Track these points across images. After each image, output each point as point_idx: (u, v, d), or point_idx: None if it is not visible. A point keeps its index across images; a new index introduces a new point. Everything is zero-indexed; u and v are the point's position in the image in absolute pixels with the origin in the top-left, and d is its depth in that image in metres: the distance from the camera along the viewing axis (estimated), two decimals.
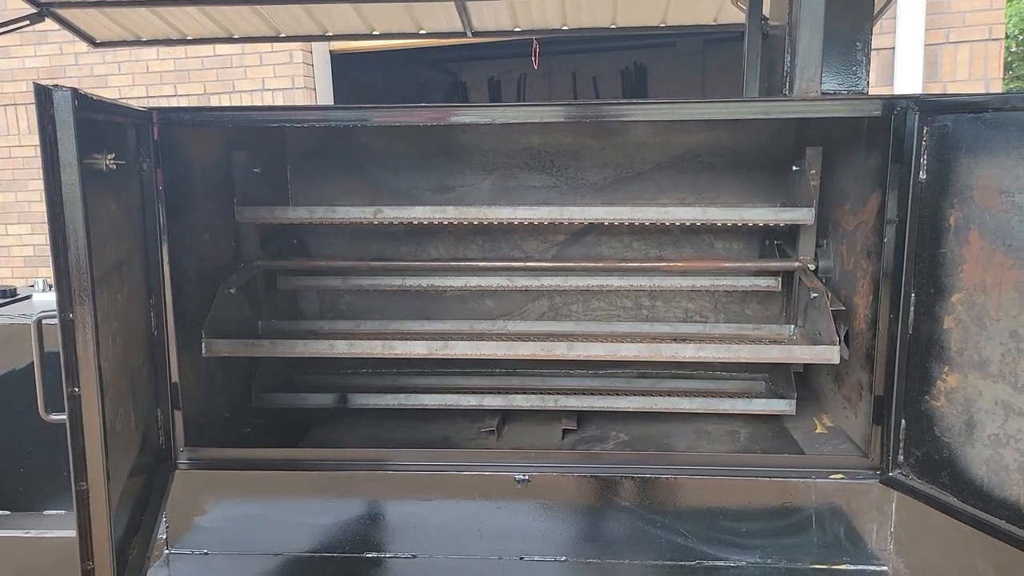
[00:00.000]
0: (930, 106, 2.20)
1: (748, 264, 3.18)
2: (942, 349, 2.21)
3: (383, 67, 10.63)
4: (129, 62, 7.91)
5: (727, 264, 3.17)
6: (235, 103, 7.77)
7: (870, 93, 2.67)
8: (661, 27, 5.01)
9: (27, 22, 4.24)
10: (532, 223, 2.93)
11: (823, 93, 2.65)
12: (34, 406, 2.50)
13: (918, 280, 2.27)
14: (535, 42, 6.85)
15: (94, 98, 2.09)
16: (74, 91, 1.99)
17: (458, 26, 4.85)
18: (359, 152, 3.32)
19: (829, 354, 2.52)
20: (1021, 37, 14.62)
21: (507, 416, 3.09)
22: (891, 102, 2.26)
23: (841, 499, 2.38)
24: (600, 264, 3.19)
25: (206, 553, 2.50)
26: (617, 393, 3.07)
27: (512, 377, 3.31)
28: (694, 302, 3.35)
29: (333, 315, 3.42)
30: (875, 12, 3.18)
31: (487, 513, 2.47)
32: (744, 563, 2.37)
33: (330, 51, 8.27)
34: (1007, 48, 13.81)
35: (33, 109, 1.98)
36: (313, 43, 7.74)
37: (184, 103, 7.79)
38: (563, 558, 2.43)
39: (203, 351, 2.63)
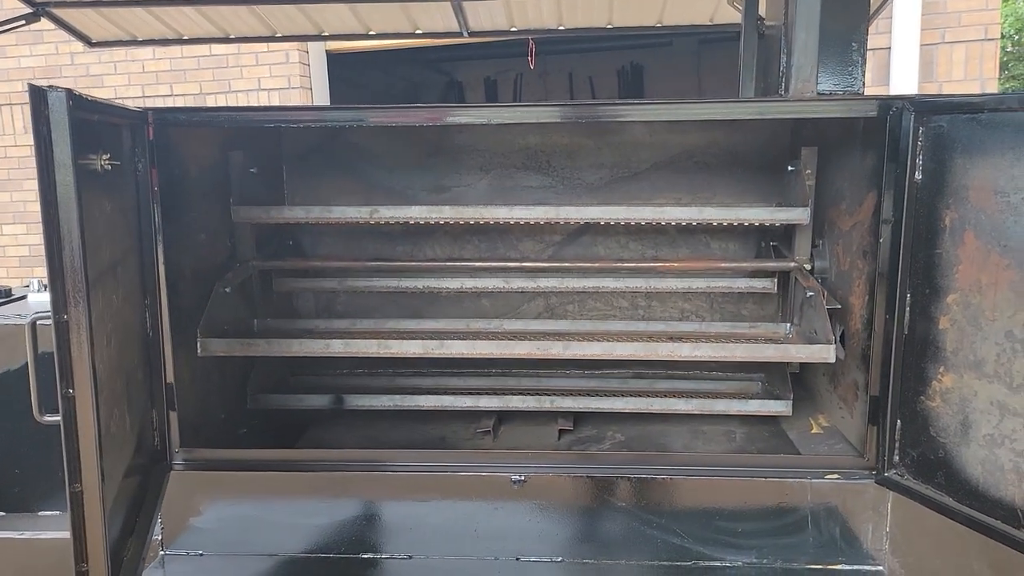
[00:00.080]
0: (926, 106, 2.20)
1: (744, 264, 3.19)
2: (938, 349, 2.22)
3: (379, 67, 10.63)
4: (125, 62, 7.90)
5: (723, 264, 3.17)
6: (231, 103, 7.76)
7: (866, 93, 2.67)
8: (657, 27, 5.01)
9: (23, 22, 4.22)
10: (528, 223, 2.93)
11: (819, 93, 2.65)
12: (29, 407, 2.50)
13: (914, 280, 2.27)
14: (531, 42, 6.86)
15: (89, 98, 2.08)
16: (69, 92, 1.98)
17: (454, 26, 4.85)
18: (355, 152, 3.32)
19: (825, 353, 2.53)
20: (1017, 37, 14.66)
21: (503, 416, 3.08)
22: (887, 102, 2.26)
23: (837, 499, 2.38)
24: (596, 264, 3.19)
25: (201, 554, 2.50)
26: (613, 394, 3.07)
27: (508, 378, 3.31)
28: (690, 302, 3.35)
29: (329, 315, 3.41)
30: (871, 12, 3.18)
31: (483, 514, 2.47)
32: (740, 563, 2.38)
33: (326, 51, 8.27)
34: (1003, 48, 13.83)
35: (29, 109, 1.97)
36: (309, 43, 7.73)
37: (180, 103, 7.79)
38: (559, 559, 2.43)
39: (198, 350, 2.62)
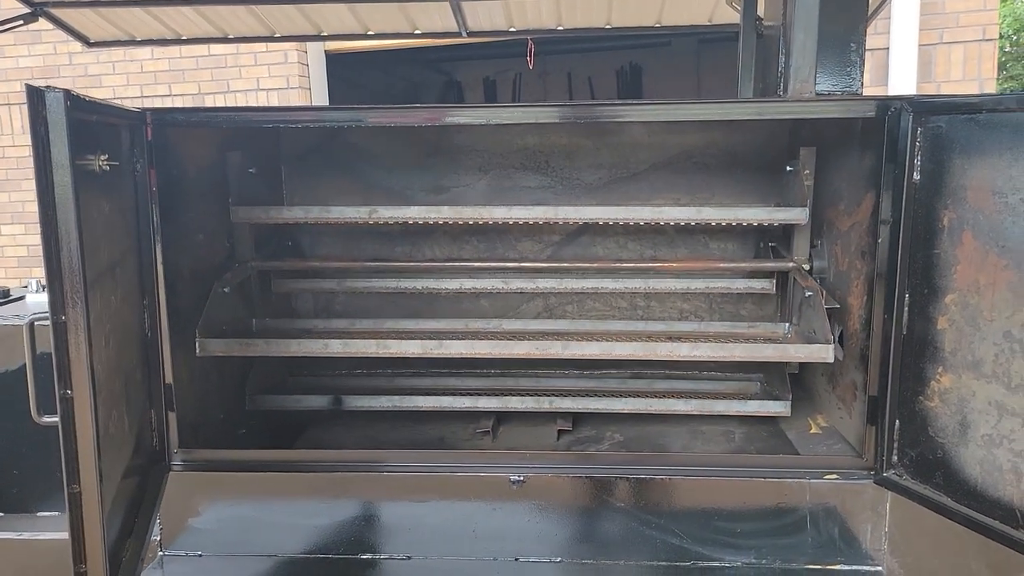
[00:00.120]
0: (924, 107, 2.20)
1: (743, 264, 3.19)
2: (936, 349, 2.22)
3: (379, 67, 10.63)
4: (123, 62, 7.89)
5: (721, 264, 3.17)
6: (230, 103, 7.76)
7: (864, 94, 2.67)
8: (656, 27, 5.02)
9: (21, 22, 4.22)
10: (527, 223, 2.93)
11: (817, 94, 2.65)
12: (27, 408, 2.49)
13: (912, 280, 2.27)
14: (530, 42, 6.86)
15: (87, 99, 2.08)
16: (66, 92, 1.98)
17: (453, 26, 4.85)
18: (354, 152, 3.32)
19: (824, 353, 2.52)
20: (1015, 37, 14.67)
21: (502, 417, 3.08)
22: (885, 103, 2.26)
23: (835, 499, 2.38)
24: (595, 264, 3.19)
25: (200, 555, 2.49)
26: (612, 394, 3.07)
27: (506, 378, 3.31)
28: (689, 302, 3.35)
29: (328, 316, 3.41)
30: (869, 13, 3.18)
31: (482, 514, 2.47)
32: (739, 564, 2.38)
33: (325, 51, 8.26)
34: (1001, 48, 13.85)
35: (27, 109, 1.97)
36: (308, 43, 7.73)
37: (179, 103, 7.78)
38: (558, 559, 2.43)
39: (197, 350, 2.62)
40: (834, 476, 2.40)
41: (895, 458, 2.36)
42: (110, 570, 2.21)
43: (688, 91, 11.38)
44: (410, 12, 4.68)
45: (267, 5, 4.45)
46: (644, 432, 2.99)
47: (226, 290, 2.78)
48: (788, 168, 2.94)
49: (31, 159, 1.98)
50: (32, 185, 1.99)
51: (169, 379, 2.51)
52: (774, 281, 3.14)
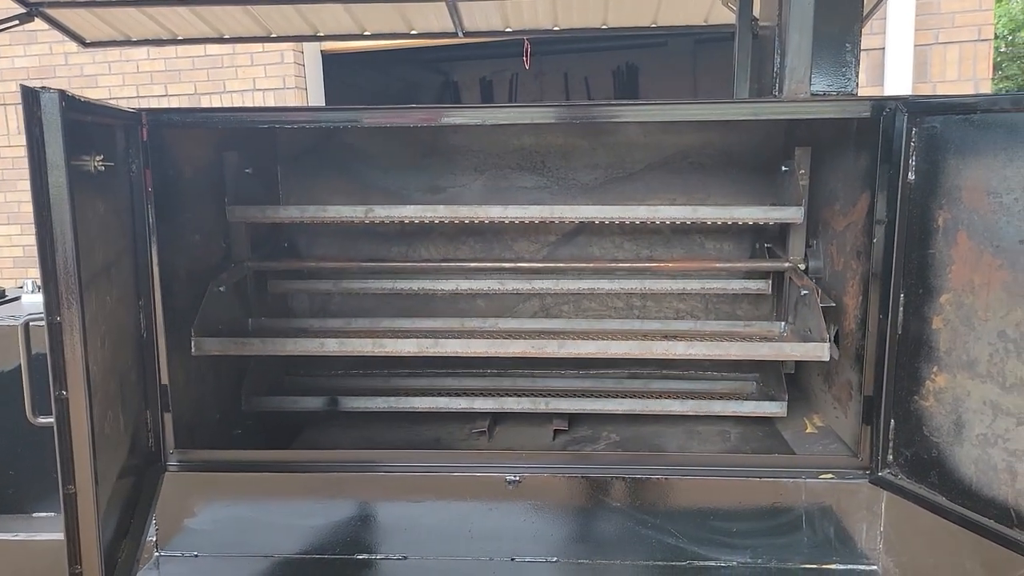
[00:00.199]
0: (919, 107, 2.21)
1: (738, 264, 3.19)
2: (931, 349, 2.22)
3: (375, 67, 10.62)
4: (119, 62, 7.87)
5: (717, 264, 3.17)
6: (226, 103, 7.74)
7: (860, 94, 2.68)
8: (652, 27, 5.02)
9: (16, 22, 4.21)
10: (523, 222, 2.93)
11: (812, 94, 2.66)
12: (23, 408, 2.49)
13: (907, 280, 2.27)
14: (527, 42, 6.85)
15: (82, 99, 2.08)
16: (61, 93, 1.97)
17: (449, 26, 4.85)
18: (350, 153, 3.32)
19: (819, 351, 2.53)
20: (1011, 37, 14.70)
21: (498, 417, 3.08)
22: (880, 103, 2.27)
23: (831, 499, 2.38)
24: (591, 265, 3.19)
25: (196, 555, 2.49)
26: (608, 395, 3.07)
27: (503, 378, 3.31)
28: (685, 303, 3.35)
29: (324, 315, 3.41)
30: (864, 13, 3.19)
31: (478, 514, 2.47)
32: (735, 563, 2.38)
33: (321, 51, 8.25)
34: (996, 48, 13.88)
35: (22, 109, 1.96)
36: (304, 43, 7.72)
37: (175, 103, 7.76)
38: (554, 559, 2.43)
39: (192, 349, 2.61)
40: (830, 476, 2.40)
41: (890, 457, 2.37)
42: (106, 571, 2.21)
43: (684, 91, 11.38)
44: (406, 12, 4.68)
45: (263, 5, 4.44)
46: (640, 432, 2.99)
47: (222, 289, 2.78)
48: (783, 168, 2.95)
49: (27, 159, 1.98)
50: (28, 186, 1.98)
51: (165, 380, 2.50)
52: (770, 282, 3.14)
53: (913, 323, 2.27)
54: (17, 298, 3.45)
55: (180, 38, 4.97)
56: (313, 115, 2.89)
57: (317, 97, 8.16)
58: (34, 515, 2.96)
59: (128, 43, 5.00)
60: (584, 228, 3.31)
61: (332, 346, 2.75)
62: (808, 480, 2.40)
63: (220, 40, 5.07)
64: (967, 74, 6.60)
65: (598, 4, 4.63)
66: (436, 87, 12.44)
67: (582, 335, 2.98)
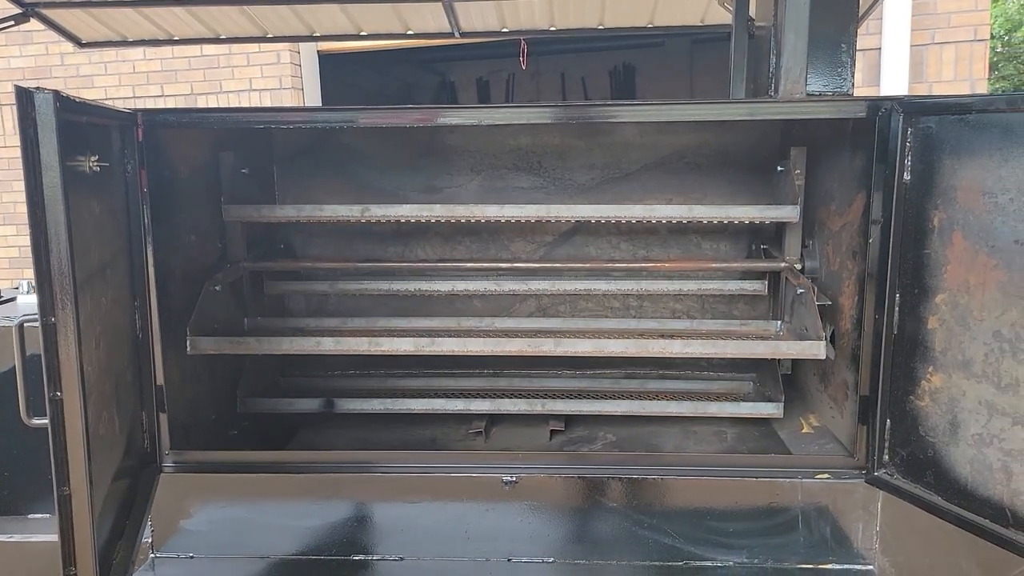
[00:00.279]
0: (914, 108, 2.21)
1: (735, 264, 3.19)
2: (926, 349, 2.23)
3: (372, 67, 10.62)
4: (115, 62, 7.86)
5: (714, 264, 3.17)
6: (222, 103, 7.74)
7: (856, 94, 2.68)
8: (649, 28, 5.02)
9: (12, 22, 4.20)
10: (519, 221, 2.93)
11: (808, 94, 2.66)
12: (17, 410, 2.48)
13: (903, 280, 2.28)
14: (523, 42, 6.85)
15: (76, 100, 2.07)
16: (56, 93, 1.97)
17: (446, 26, 4.85)
18: (347, 153, 3.31)
19: (815, 349, 2.53)
20: (1007, 37, 14.73)
21: (495, 417, 3.08)
22: (875, 103, 2.27)
23: (827, 499, 2.38)
24: (587, 265, 3.19)
25: (192, 557, 2.49)
26: (605, 395, 3.07)
27: (499, 378, 3.31)
28: (682, 303, 3.35)
29: (320, 315, 3.41)
30: (860, 13, 3.20)
31: (475, 515, 2.47)
32: (731, 563, 2.38)
33: (318, 51, 8.25)
34: (993, 48, 13.91)
35: (15, 110, 1.96)
36: (301, 44, 7.71)
37: (171, 103, 7.75)
38: (551, 559, 2.43)
39: (188, 348, 2.61)
40: (826, 476, 2.40)
41: (886, 457, 2.37)
42: (100, 572, 2.20)
43: (681, 91, 11.39)
44: (403, 12, 4.67)
45: (259, 6, 4.44)
46: (637, 432, 2.99)
47: (217, 288, 2.77)
48: (779, 168, 2.95)
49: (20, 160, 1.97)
50: (23, 186, 1.98)
51: (160, 380, 2.50)
52: (766, 282, 3.15)
53: (909, 323, 2.27)
54: (12, 299, 3.44)
55: (176, 38, 4.97)
56: (309, 115, 2.88)
57: (313, 97, 8.16)
58: (29, 517, 2.96)
59: (124, 43, 4.99)
60: (580, 228, 3.31)
61: (328, 345, 2.74)
62: (804, 480, 2.40)
63: (216, 40, 5.06)
64: (963, 74, 6.61)
65: (595, 4, 4.63)
66: (432, 87, 12.44)
67: (578, 334, 2.98)
